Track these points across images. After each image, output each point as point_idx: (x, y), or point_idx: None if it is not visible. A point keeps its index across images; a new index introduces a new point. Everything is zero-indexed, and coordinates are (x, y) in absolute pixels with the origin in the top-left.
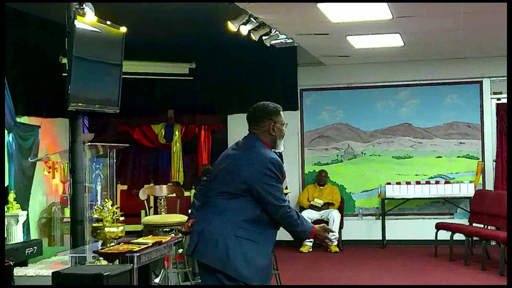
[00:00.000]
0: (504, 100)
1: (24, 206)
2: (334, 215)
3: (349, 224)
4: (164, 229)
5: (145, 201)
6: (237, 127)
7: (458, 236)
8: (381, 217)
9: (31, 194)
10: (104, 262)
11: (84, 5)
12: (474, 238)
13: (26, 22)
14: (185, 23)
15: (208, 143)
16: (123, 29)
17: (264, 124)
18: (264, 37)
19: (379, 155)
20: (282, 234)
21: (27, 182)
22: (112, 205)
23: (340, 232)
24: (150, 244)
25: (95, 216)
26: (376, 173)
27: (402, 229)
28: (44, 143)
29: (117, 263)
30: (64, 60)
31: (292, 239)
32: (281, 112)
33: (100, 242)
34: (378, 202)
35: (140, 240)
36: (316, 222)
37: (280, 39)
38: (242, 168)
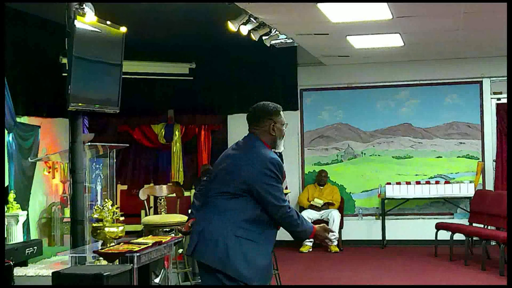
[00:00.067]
0: (504, 100)
1: (24, 206)
2: (334, 215)
3: (349, 224)
4: (164, 229)
5: (145, 201)
6: (237, 127)
7: (458, 236)
8: (381, 217)
9: (31, 194)
10: (104, 262)
11: (84, 5)
12: (474, 238)
13: (26, 22)
14: (185, 23)
15: (208, 143)
16: (123, 29)
17: (264, 124)
18: (264, 37)
19: (379, 155)
20: (282, 234)
21: (27, 182)
22: (112, 205)
23: (340, 232)
24: (150, 244)
25: (95, 216)
26: (376, 173)
27: (402, 229)
28: (44, 143)
29: (117, 263)
30: (64, 60)
31: (292, 239)
32: (281, 112)
33: (100, 242)
34: (378, 202)
35: (140, 240)
36: (316, 222)
37: (280, 39)
38: (242, 168)
